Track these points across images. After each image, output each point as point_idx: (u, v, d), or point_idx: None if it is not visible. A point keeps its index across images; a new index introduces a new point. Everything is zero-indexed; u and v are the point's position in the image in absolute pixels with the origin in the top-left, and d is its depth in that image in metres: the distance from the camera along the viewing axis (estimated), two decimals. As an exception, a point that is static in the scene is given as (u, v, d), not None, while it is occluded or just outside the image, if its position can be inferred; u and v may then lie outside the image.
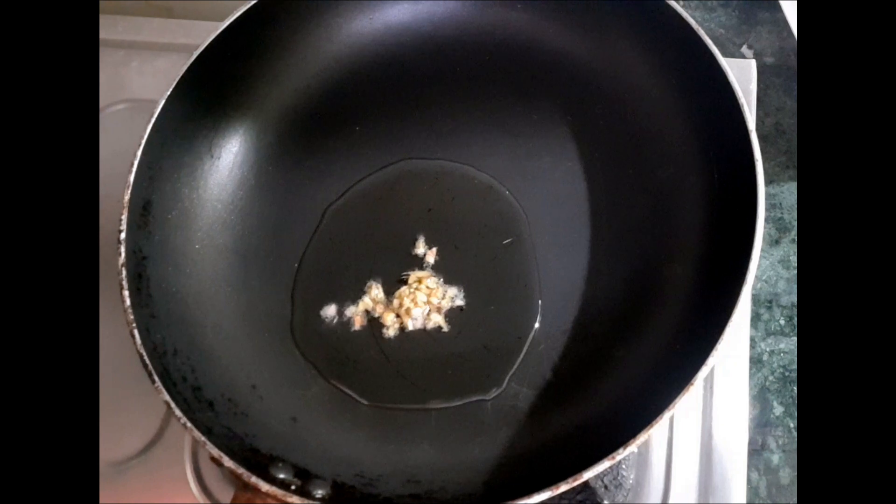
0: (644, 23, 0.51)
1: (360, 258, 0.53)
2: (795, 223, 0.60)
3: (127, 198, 0.46)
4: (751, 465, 0.53)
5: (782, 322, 0.58)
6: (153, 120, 0.48)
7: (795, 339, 0.57)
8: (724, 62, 0.47)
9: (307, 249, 0.53)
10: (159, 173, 0.49)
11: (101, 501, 0.39)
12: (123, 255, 0.45)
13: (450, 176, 0.55)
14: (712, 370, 0.51)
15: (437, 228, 0.53)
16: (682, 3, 0.48)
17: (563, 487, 0.39)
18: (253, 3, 0.51)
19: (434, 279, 0.52)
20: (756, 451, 0.54)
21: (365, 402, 0.49)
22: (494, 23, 0.55)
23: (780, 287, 0.59)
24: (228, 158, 0.53)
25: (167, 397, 0.41)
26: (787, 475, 0.54)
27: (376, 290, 0.52)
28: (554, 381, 0.49)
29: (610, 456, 0.39)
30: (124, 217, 0.46)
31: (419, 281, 0.52)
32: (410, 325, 0.51)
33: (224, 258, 0.51)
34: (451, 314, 0.51)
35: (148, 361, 0.42)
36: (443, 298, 0.51)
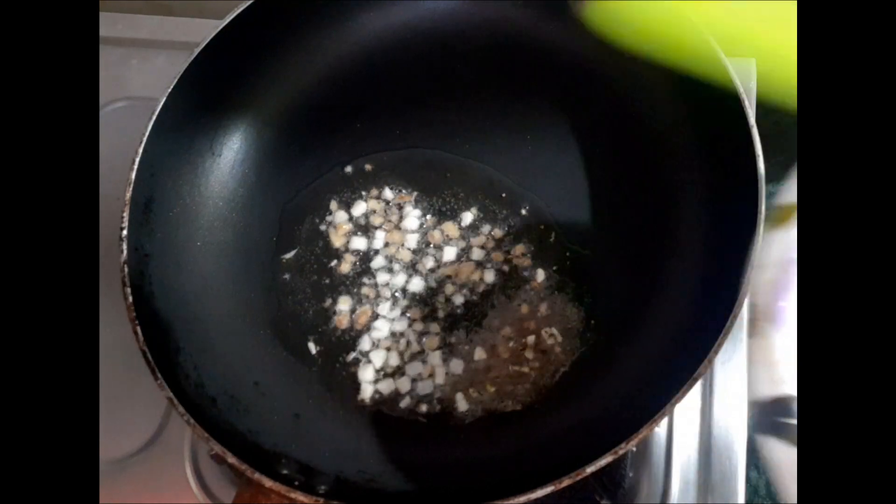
0: (645, 20, 0.51)
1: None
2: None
3: (129, 195, 0.46)
4: (750, 465, 0.53)
5: (782, 320, 0.58)
6: (154, 117, 0.47)
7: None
8: (726, 59, 0.47)
9: (300, 242, 0.53)
10: (161, 171, 0.49)
11: (100, 499, 0.39)
12: (125, 252, 0.44)
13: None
14: (712, 369, 0.51)
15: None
16: (682, 1, 0.48)
17: (567, 482, 0.39)
18: (252, 0, 0.51)
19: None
20: (756, 451, 0.54)
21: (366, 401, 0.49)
22: (496, 20, 0.55)
23: (779, 286, 0.59)
24: (229, 156, 0.53)
25: (170, 394, 0.41)
26: (787, 474, 0.54)
27: (369, 289, 0.52)
28: (556, 377, 0.49)
29: (612, 451, 0.39)
30: (126, 214, 0.45)
31: None
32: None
33: (226, 255, 0.51)
34: (449, 314, 0.51)
35: (151, 359, 0.42)
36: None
